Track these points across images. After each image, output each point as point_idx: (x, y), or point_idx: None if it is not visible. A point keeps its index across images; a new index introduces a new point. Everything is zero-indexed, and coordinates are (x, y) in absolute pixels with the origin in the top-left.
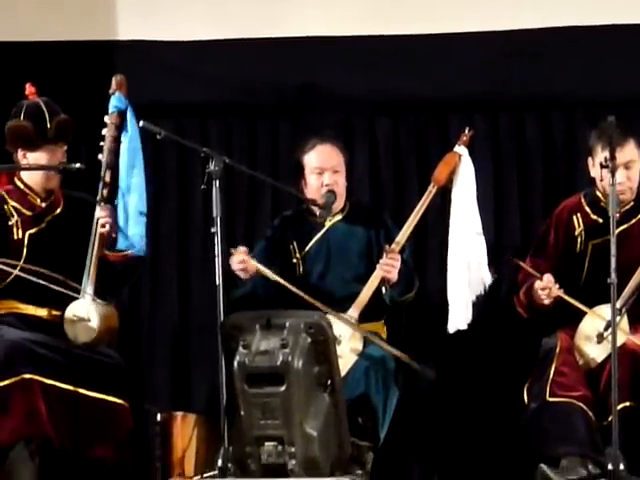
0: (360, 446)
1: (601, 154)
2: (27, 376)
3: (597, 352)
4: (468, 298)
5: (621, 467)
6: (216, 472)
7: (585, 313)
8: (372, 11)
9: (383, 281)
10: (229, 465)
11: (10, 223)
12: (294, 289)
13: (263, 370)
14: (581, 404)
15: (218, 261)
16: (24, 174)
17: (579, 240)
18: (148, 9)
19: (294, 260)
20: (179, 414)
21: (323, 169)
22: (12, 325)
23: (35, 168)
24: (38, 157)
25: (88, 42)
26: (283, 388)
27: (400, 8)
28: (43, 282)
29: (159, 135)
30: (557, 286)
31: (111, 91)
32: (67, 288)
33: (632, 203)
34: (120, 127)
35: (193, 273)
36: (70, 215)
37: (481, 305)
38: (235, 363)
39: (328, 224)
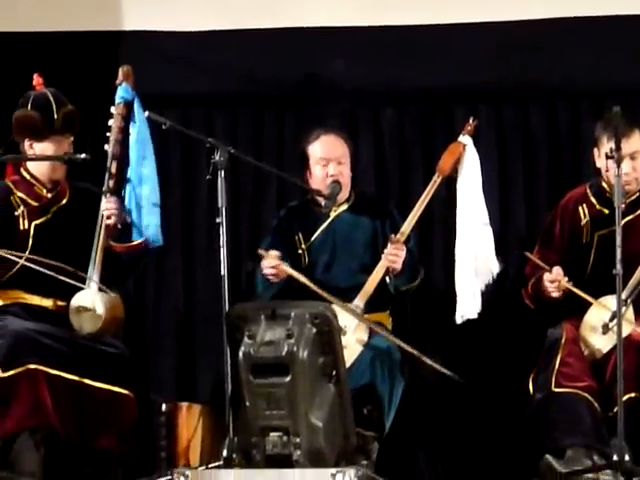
0: (365, 436)
1: (607, 145)
2: (32, 366)
3: (602, 343)
4: (476, 288)
5: (626, 458)
6: (221, 462)
7: (591, 304)
8: (376, 1)
9: (388, 271)
10: (234, 455)
11: (16, 214)
12: (320, 291)
13: (268, 360)
14: (586, 395)
15: (223, 251)
16: (30, 165)
17: (585, 231)
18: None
19: (299, 251)
20: (184, 404)
21: (328, 160)
22: (17, 315)
23: (41, 158)
24: (45, 147)
25: (94, 33)
26: (288, 378)
27: None
28: (48, 272)
29: (164, 125)
30: (566, 279)
31: (118, 82)
32: (73, 278)
33: (638, 194)
34: (127, 118)
35: (198, 263)
36: (76, 206)
37: (487, 295)
38: (240, 353)
39: (333, 214)
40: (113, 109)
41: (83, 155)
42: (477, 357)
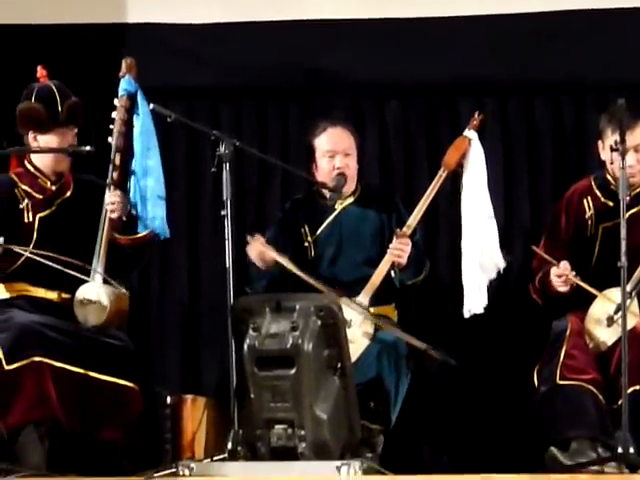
0: (371, 429)
1: (611, 137)
2: (37, 359)
3: (607, 335)
4: (482, 282)
5: (631, 450)
6: (226, 455)
7: (596, 297)
8: None
9: (393, 265)
10: (239, 448)
11: (21, 206)
12: (311, 280)
13: (273, 353)
14: (591, 387)
15: (228, 244)
16: (34, 157)
17: (589, 224)
18: None
19: (305, 244)
20: (189, 397)
21: (334, 152)
22: (22, 308)
23: (45, 151)
24: (49, 140)
25: (98, 25)
26: (293, 371)
27: None
28: (53, 265)
29: (169, 118)
30: (574, 273)
31: (121, 74)
32: (77, 271)
33: None
34: (130, 110)
35: (203, 256)
36: (80, 198)
37: (492, 288)
38: (245, 346)
39: (339, 207)
40: (116, 101)
41: (88, 147)
42: (482, 350)
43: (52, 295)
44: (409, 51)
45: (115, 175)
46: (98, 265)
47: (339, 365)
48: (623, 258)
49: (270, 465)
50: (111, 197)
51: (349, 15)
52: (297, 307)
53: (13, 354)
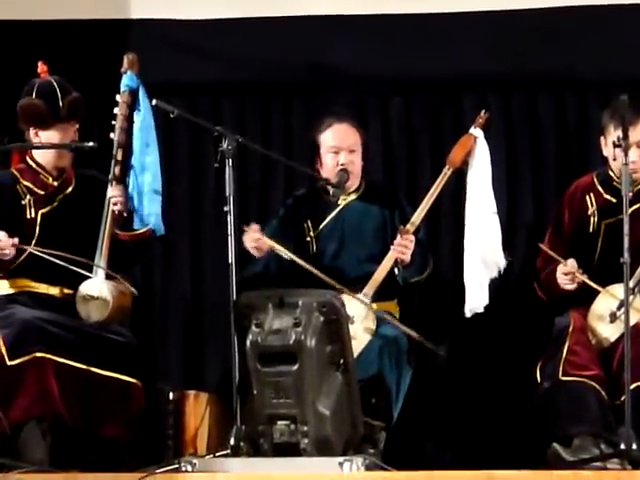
0: (373, 425)
1: (614, 133)
2: (39, 354)
3: (610, 331)
4: (484, 280)
5: (634, 446)
6: (228, 451)
7: (599, 293)
8: None
9: (396, 262)
10: (241, 444)
11: (23, 202)
12: (308, 266)
13: (276, 349)
14: (594, 383)
15: (231, 240)
16: (36, 153)
17: (592, 220)
18: None
19: (307, 238)
20: (192, 393)
21: (339, 148)
22: (24, 304)
23: (48, 147)
24: (50, 135)
25: (100, 21)
26: (296, 367)
27: None
28: (56, 261)
29: (172, 114)
30: (581, 271)
31: (123, 70)
32: (80, 266)
33: None
34: (132, 106)
35: (206, 252)
36: (82, 193)
37: (494, 284)
38: (248, 342)
39: (343, 203)
40: (118, 97)
41: (90, 143)
42: (485, 346)
43: (54, 291)
44: (412, 47)
45: (117, 171)
46: (100, 261)
47: (342, 361)
48: (626, 254)
49: (273, 461)
50: (113, 191)
51: (353, 11)
52: (300, 303)
53: (15, 350)
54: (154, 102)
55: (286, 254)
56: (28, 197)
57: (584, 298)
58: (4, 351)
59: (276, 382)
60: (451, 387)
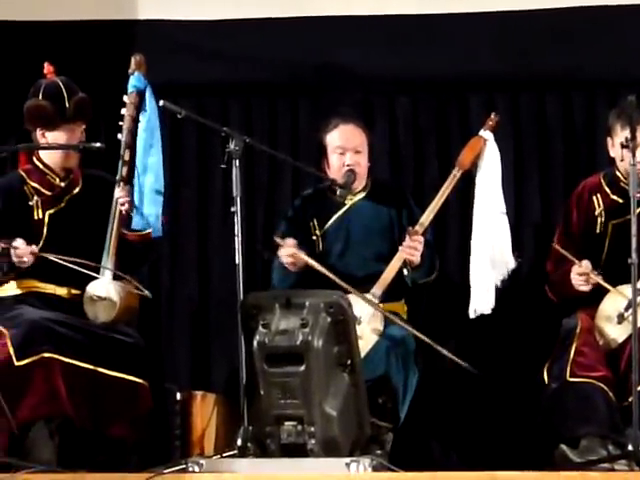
0: (380, 426)
1: (621, 134)
2: (47, 355)
3: (618, 332)
4: (491, 281)
5: None
6: (235, 451)
7: (606, 293)
8: None
9: (405, 263)
10: (248, 444)
11: (30, 203)
12: (338, 280)
13: (283, 350)
14: (601, 384)
15: (238, 240)
16: (43, 154)
17: (599, 220)
18: None
19: (313, 237)
20: (199, 393)
21: (345, 149)
22: (32, 304)
23: (55, 147)
24: (57, 136)
25: (108, 21)
26: (303, 368)
27: None
28: (65, 263)
29: (179, 114)
30: (596, 272)
31: (130, 71)
32: (87, 267)
33: None
34: (139, 107)
35: (213, 253)
36: (89, 194)
37: (502, 285)
38: (255, 343)
39: (350, 203)
40: (126, 98)
41: (98, 144)
42: (492, 346)
43: (62, 291)
44: (419, 47)
45: (124, 171)
46: (108, 261)
47: (349, 362)
48: (634, 255)
49: (280, 462)
50: (121, 192)
51: (359, 11)
52: (307, 304)
53: (23, 350)
54: (161, 103)
55: (320, 269)
56: (35, 198)
57: (592, 299)
58: (12, 351)
59: (283, 383)
60: (458, 388)
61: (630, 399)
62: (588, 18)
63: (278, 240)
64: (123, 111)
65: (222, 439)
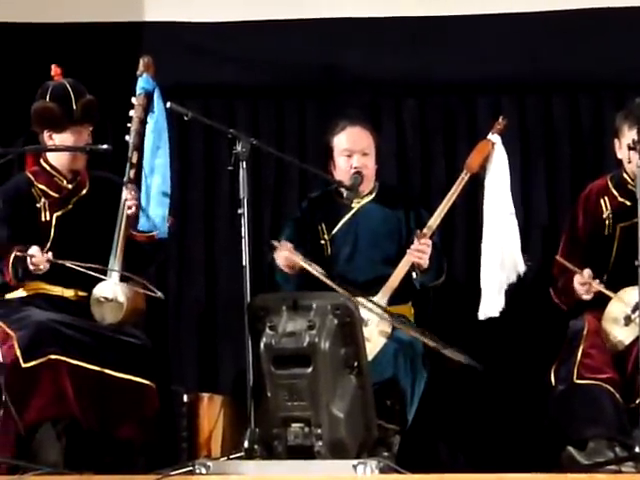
0: (387, 429)
1: (628, 135)
2: (54, 357)
3: (624, 334)
4: (502, 283)
5: None
6: (242, 453)
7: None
8: None
9: (413, 266)
10: (255, 446)
11: (38, 205)
12: (334, 285)
13: (290, 351)
14: (608, 386)
15: (245, 242)
16: (50, 156)
17: (607, 223)
18: None
19: (322, 241)
20: (206, 395)
21: (352, 151)
22: (39, 306)
23: (63, 149)
24: (64, 138)
25: (116, 23)
26: (310, 370)
27: None
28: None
29: (186, 116)
30: (597, 281)
31: (138, 72)
32: (94, 269)
33: None
34: (147, 109)
35: (220, 254)
36: (96, 196)
37: (509, 287)
38: (262, 344)
39: (357, 206)
40: (134, 100)
41: (105, 146)
42: (499, 348)
43: (69, 293)
44: (426, 49)
45: (132, 173)
46: (115, 263)
47: (356, 364)
48: None
49: (287, 464)
50: (129, 193)
51: (367, 13)
52: (314, 306)
53: (30, 352)
54: (168, 105)
55: (316, 274)
56: (43, 200)
57: (599, 301)
58: (19, 353)
59: (290, 385)
60: (465, 390)
61: (637, 401)
62: (595, 20)
63: (275, 243)
64: (131, 113)
65: (229, 441)
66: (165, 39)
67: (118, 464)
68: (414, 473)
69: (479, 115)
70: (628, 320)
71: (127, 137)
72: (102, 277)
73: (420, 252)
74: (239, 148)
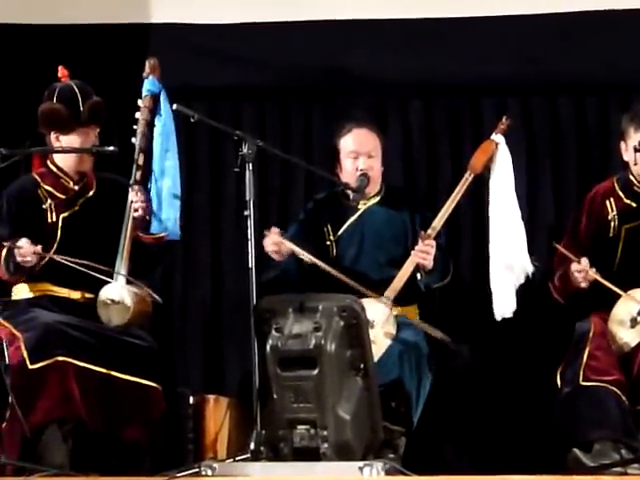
0: (393, 430)
1: (634, 137)
2: (60, 358)
3: (630, 336)
4: (511, 285)
5: None
6: (248, 455)
7: (619, 297)
8: None
9: (418, 267)
10: (261, 448)
11: (44, 207)
12: (329, 268)
13: (296, 353)
14: (614, 388)
15: (251, 244)
16: (57, 157)
17: (612, 224)
18: None
19: (327, 243)
20: (212, 397)
21: (358, 153)
22: (46, 308)
23: (69, 151)
24: (71, 140)
25: (122, 25)
26: (316, 371)
27: None
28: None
29: (192, 118)
30: (594, 269)
31: (145, 75)
32: (101, 271)
33: None
34: (153, 111)
35: (226, 256)
36: (102, 197)
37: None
38: (268, 346)
39: (363, 207)
40: (140, 102)
41: (111, 147)
42: (505, 350)
43: (75, 295)
44: (432, 51)
45: (138, 175)
46: (121, 264)
47: (362, 365)
48: None
49: (293, 465)
50: (135, 195)
51: (372, 15)
52: (320, 308)
53: (37, 354)
54: (174, 106)
55: (306, 257)
56: (49, 201)
57: (605, 303)
58: (26, 355)
59: (296, 386)
60: (471, 392)
61: None
62: (601, 22)
63: (265, 231)
64: (137, 115)
65: (235, 443)
66: (171, 41)
67: (124, 466)
68: (420, 475)
69: (485, 116)
70: (634, 322)
71: (133, 139)
72: (105, 278)
73: (424, 253)
74: (245, 150)
